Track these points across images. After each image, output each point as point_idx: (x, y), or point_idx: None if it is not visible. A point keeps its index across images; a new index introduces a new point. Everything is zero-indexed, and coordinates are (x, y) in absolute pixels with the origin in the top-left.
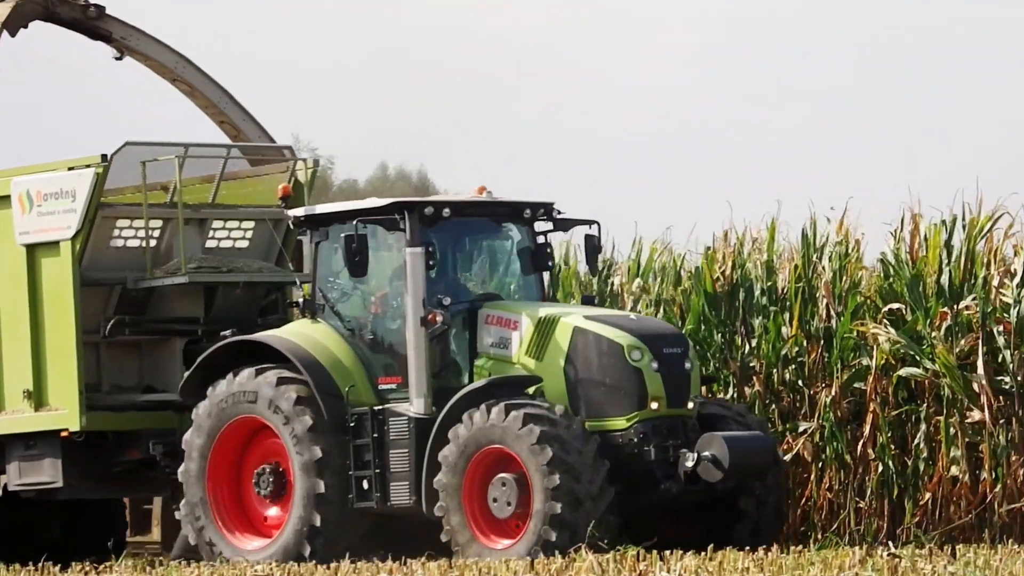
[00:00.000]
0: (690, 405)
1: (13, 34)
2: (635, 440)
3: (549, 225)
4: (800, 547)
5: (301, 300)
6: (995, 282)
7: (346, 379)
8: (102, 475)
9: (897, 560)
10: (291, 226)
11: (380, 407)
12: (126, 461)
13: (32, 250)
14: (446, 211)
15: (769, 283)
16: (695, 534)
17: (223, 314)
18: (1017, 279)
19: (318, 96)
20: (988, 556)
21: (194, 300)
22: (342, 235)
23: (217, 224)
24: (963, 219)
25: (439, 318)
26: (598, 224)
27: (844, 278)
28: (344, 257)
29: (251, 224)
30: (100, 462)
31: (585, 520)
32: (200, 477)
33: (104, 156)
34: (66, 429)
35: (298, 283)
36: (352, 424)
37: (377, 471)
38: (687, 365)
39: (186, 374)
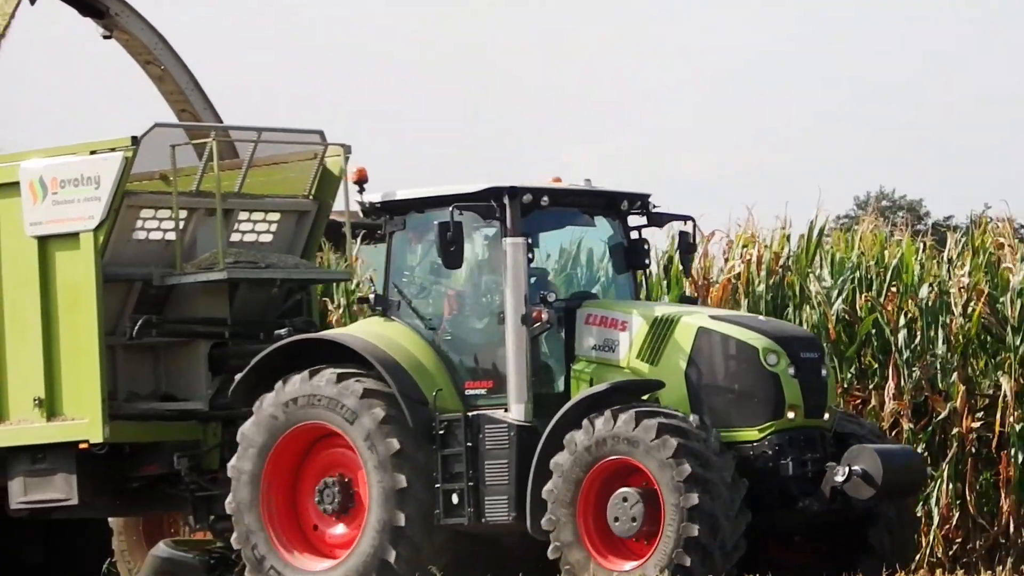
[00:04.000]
0: (826, 416)
1: (33, 2)
2: (769, 453)
3: (643, 220)
4: None
5: (372, 296)
6: None
7: (430, 383)
8: (118, 491)
9: None
10: (362, 214)
11: (474, 413)
12: (144, 476)
13: (45, 242)
14: (544, 199)
15: None
16: (808, 560)
17: (244, 315)
18: None
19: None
20: None
21: (219, 299)
22: (436, 223)
23: (242, 216)
24: None
25: (544, 315)
26: (693, 220)
27: None
28: (437, 247)
29: (276, 216)
30: (117, 477)
31: (721, 545)
32: (254, 493)
33: (134, 139)
34: (85, 441)
35: (369, 278)
36: (441, 432)
37: (470, 484)
38: (823, 372)
39: (238, 377)
